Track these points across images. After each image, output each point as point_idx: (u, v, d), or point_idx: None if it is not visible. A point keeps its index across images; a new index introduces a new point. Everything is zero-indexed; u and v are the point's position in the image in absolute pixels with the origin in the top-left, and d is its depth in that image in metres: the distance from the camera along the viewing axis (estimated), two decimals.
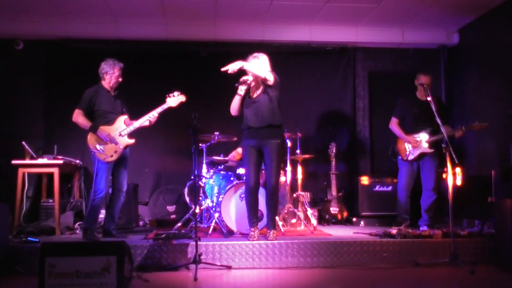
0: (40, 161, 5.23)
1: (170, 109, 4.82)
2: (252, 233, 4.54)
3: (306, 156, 5.83)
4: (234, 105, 4.65)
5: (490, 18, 6.07)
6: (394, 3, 5.87)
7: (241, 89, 4.60)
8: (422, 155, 5.30)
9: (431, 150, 5.24)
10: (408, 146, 5.36)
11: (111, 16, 6.28)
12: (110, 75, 4.74)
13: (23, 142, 5.50)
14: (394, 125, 5.51)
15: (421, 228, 5.16)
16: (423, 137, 5.27)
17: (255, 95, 4.66)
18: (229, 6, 5.99)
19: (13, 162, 5.21)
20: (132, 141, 4.78)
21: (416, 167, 5.41)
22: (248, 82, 4.58)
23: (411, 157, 5.33)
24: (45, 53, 6.56)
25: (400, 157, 5.45)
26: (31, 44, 6.47)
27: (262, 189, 5.03)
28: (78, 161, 5.79)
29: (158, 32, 6.50)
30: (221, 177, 5.64)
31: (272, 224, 4.64)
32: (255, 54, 4.68)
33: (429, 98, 4.52)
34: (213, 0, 5.80)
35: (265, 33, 6.64)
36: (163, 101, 4.78)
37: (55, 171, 5.18)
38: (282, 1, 5.84)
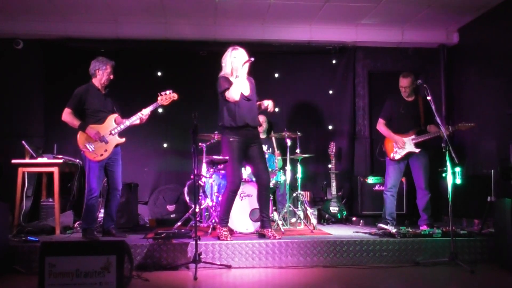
0: (40, 160, 5.23)
1: (163, 107, 4.83)
2: (225, 232, 4.51)
3: (306, 155, 5.83)
4: (238, 89, 4.50)
5: (490, 18, 6.07)
6: (394, 2, 5.87)
7: (242, 71, 4.54)
8: (409, 155, 5.31)
9: (418, 150, 5.25)
10: (394, 146, 5.37)
11: (111, 15, 6.28)
12: (103, 71, 4.71)
13: (23, 142, 5.49)
14: (381, 126, 5.54)
15: (420, 228, 5.16)
16: (410, 137, 5.29)
17: (246, 93, 4.62)
18: (229, 5, 5.98)
19: (13, 161, 5.20)
20: (122, 140, 4.76)
21: (403, 166, 5.41)
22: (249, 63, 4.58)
23: (397, 157, 5.34)
24: (45, 52, 6.57)
25: (387, 157, 5.46)
26: (31, 43, 6.47)
27: None
28: (78, 160, 5.78)
29: (158, 31, 6.50)
30: (220, 177, 5.64)
31: (268, 222, 4.65)
32: (238, 48, 4.62)
33: (429, 98, 4.52)
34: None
35: (265, 32, 6.65)
36: (156, 100, 4.77)
37: (55, 170, 5.17)
38: (282, 1, 5.84)
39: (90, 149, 4.58)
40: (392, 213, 5.42)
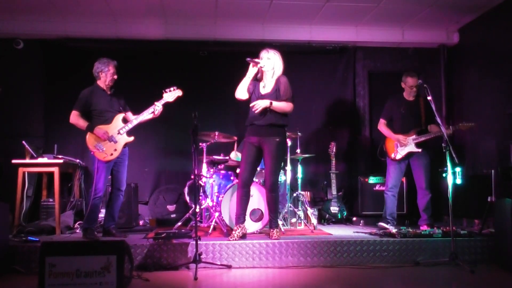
0: (40, 160, 5.23)
1: (166, 104, 4.82)
2: (234, 232, 4.51)
3: (306, 155, 5.83)
4: (241, 87, 4.60)
5: (490, 18, 6.07)
6: (394, 2, 5.87)
7: (251, 71, 4.57)
8: (410, 155, 5.31)
9: (419, 150, 5.25)
10: (396, 146, 5.37)
11: (111, 16, 6.28)
12: (106, 72, 4.73)
13: (23, 142, 5.50)
14: (382, 126, 5.54)
15: (421, 228, 5.16)
16: (411, 137, 5.29)
17: (264, 91, 4.65)
18: (229, 5, 5.98)
19: (13, 161, 5.21)
20: (131, 138, 4.77)
21: (404, 166, 5.41)
22: (259, 66, 4.57)
23: (398, 156, 5.33)
24: (45, 52, 6.56)
25: (388, 157, 5.46)
26: (31, 43, 6.47)
27: (263, 189, 5.03)
28: (78, 160, 5.80)
29: (158, 31, 6.50)
30: (221, 177, 5.65)
31: (275, 223, 4.65)
32: (269, 50, 4.64)
33: (429, 98, 4.52)
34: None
35: (265, 32, 6.64)
36: (161, 97, 4.79)
37: (55, 170, 5.18)
38: (282, 0, 5.84)
39: (101, 149, 4.59)
40: (392, 213, 5.42)
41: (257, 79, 4.71)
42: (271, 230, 4.62)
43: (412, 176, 5.42)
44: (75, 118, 4.67)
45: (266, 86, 4.67)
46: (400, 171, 5.41)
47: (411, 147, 5.27)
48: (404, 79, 5.38)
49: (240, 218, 4.61)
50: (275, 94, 4.60)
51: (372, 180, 6.28)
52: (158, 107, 4.74)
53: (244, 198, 4.64)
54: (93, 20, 6.34)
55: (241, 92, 4.62)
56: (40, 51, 6.55)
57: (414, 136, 5.27)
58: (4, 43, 6.42)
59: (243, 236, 4.54)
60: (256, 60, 4.58)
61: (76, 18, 6.30)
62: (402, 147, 5.31)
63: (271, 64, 4.62)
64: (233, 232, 4.52)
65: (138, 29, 6.48)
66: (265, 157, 4.62)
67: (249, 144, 4.64)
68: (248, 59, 4.55)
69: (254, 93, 4.65)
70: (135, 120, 4.75)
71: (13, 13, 6.11)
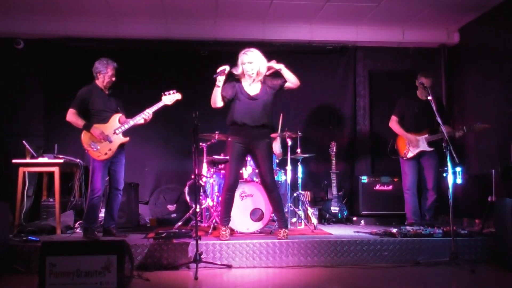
0: (41, 160, 5.23)
1: (165, 107, 4.81)
2: (224, 232, 4.52)
3: (307, 155, 5.83)
4: (215, 97, 4.53)
5: (491, 17, 6.06)
6: (395, 2, 5.86)
7: (220, 80, 4.49)
8: (421, 154, 5.31)
9: (431, 149, 5.25)
10: (407, 144, 5.36)
11: (111, 15, 6.28)
12: (104, 74, 4.73)
13: (24, 141, 5.50)
14: (394, 123, 5.52)
15: (421, 227, 5.16)
16: (423, 136, 5.28)
17: (253, 91, 4.60)
18: (229, 5, 5.98)
19: (14, 161, 5.20)
20: (126, 139, 4.77)
21: (417, 164, 5.40)
22: (226, 72, 4.49)
23: (410, 155, 5.33)
24: (46, 52, 6.55)
25: (399, 155, 5.45)
26: (32, 43, 6.47)
27: (262, 189, 5.03)
28: (78, 160, 5.79)
29: (158, 31, 6.50)
30: (221, 176, 5.64)
31: (283, 223, 4.63)
32: (247, 53, 4.54)
33: (429, 97, 4.53)
34: None
35: (265, 32, 6.64)
36: (159, 100, 4.78)
37: (56, 170, 5.18)
38: (283, 0, 5.84)
39: (95, 148, 4.59)
40: (416, 212, 5.39)
41: (236, 79, 4.63)
42: (279, 230, 4.58)
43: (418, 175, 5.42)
44: (72, 116, 4.67)
45: (252, 85, 4.61)
46: (415, 168, 5.39)
47: (424, 146, 5.27)
48: (419, 78, 5.36)
49: (226, 220, 4.61)
50: (266, 93, 4.58)
51: (372, 179, 6.27)
52: (147, 114, 4.72)
53: (229, 201, 4.63)
54: (94, 20, 6.34)
55: (218, 101, 4.55)
56: (40, 50, 6.54)
57: (426, 136, 5.27)
58: (4, 43, 6.42)
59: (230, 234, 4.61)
60: (222, 68, 4.46)
61: (76, 17, 6.30)
62: (414, 147, 5.29)
63: (255, 67, 4.52)
64: (222, 232, 4.52)
65: (139, 29, 6.48)
66: (259, 159, 4.58)
67: (237, 145, 4.57)
68: (215, 76, 4.45)
69: (241, 93, 4.57)
70: (131, 121, 4.74)
71: (14, 12, 6.11)
